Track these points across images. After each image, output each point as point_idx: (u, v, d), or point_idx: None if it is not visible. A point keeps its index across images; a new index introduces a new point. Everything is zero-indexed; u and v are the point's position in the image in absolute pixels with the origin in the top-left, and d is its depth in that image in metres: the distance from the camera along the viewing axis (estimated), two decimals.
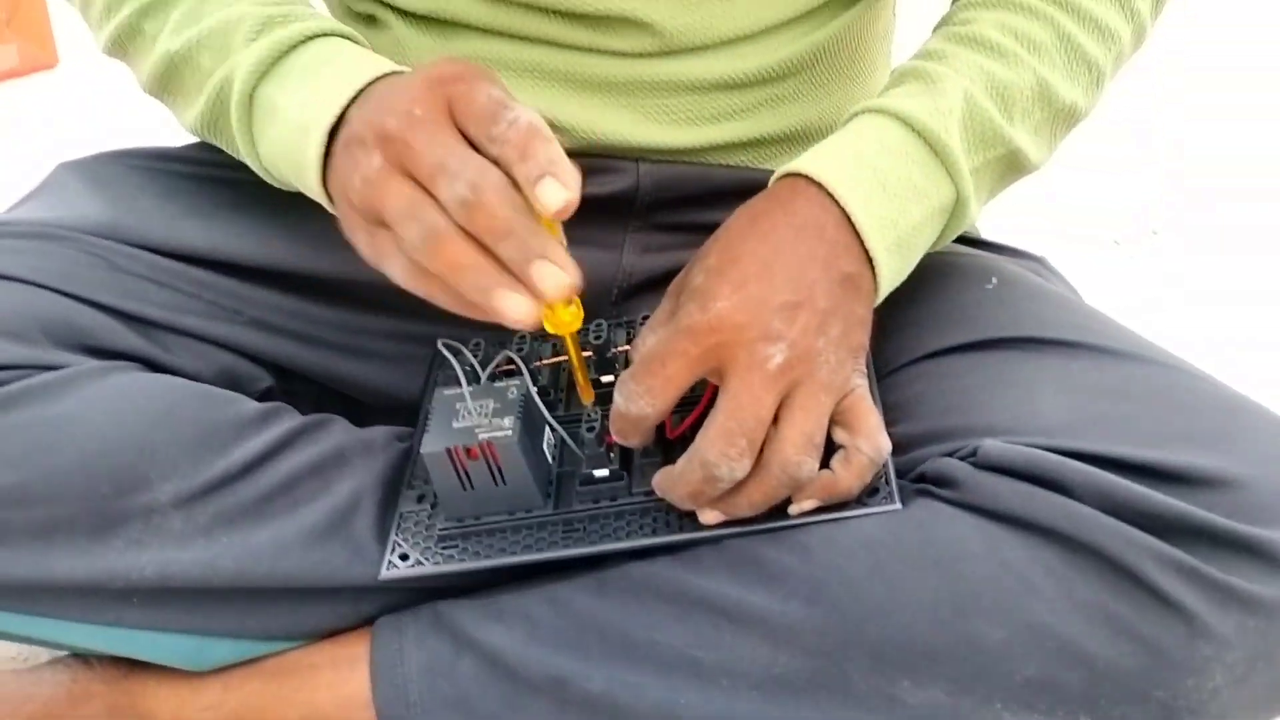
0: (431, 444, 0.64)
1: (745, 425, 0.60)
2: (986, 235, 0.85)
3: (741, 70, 0.75)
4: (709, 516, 0.64)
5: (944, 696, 0.61)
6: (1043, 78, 0.69)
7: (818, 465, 0.62)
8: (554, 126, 0.63)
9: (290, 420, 0.70)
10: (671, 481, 0.63)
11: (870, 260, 0.64)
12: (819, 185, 0.64)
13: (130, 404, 0.66)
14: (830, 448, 0.63)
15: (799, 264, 0.62)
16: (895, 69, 0.71)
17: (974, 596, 0.61)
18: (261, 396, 0.73)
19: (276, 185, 0.69)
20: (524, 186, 0.55)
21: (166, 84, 0.71)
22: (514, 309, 0.55)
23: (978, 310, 0.72)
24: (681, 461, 0.62)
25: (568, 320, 0.59)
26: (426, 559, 0.66)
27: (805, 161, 0.66)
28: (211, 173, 0.79)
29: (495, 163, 0.56)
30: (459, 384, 0.66)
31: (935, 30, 0.73)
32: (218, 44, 0.67)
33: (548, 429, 0.69)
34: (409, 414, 0.76)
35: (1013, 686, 0.61)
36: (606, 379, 0.71)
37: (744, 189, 0.71)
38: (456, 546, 0.66)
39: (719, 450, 0.60)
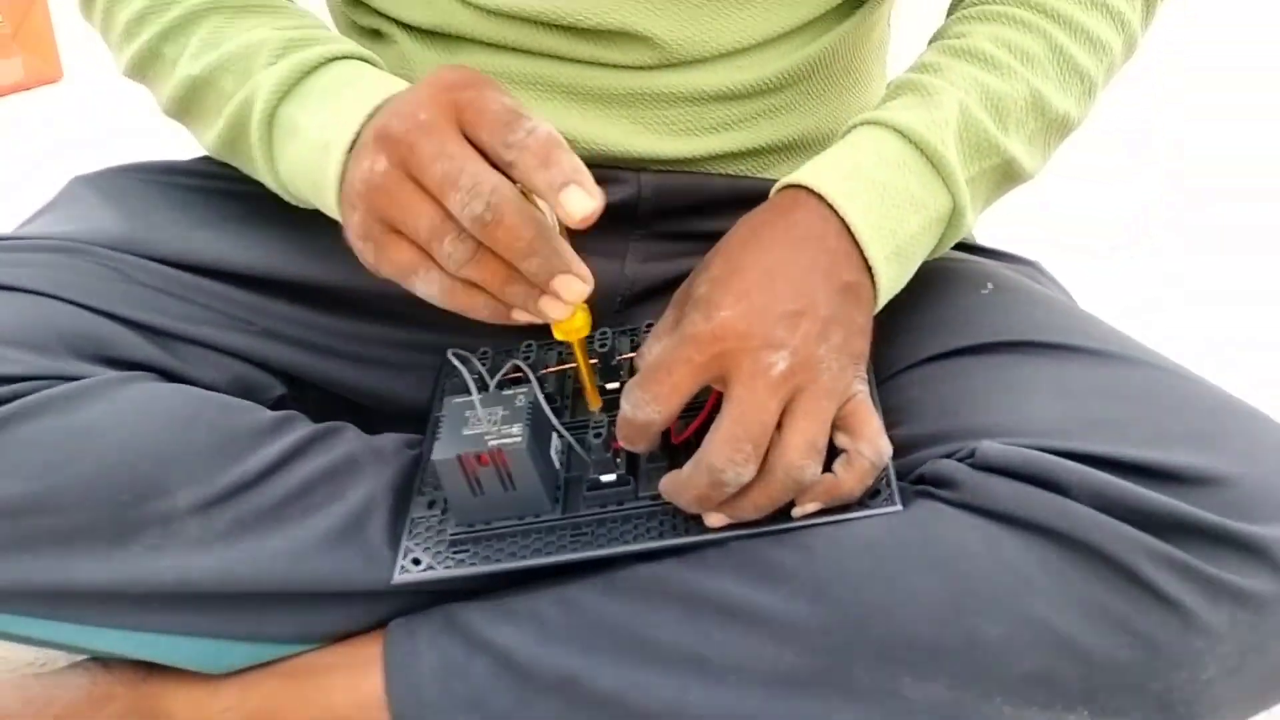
0: (443, 451, 0.65)
1: (750, 431, 0.60)
2: (982, 243, 0.85)
3: (739, 82, 0.75)
4: (715, 520, 0.64)
5: (945, 691, 0.62)
6: (1036, 89, 0.70)
7: (821, 469, 0.62)
8: None
9: (303, 428, 0.70)
10: (678, 486, 0.63)
11: (870, 269, 0.65)
12: (819, 196, 0.65)
13: (148, 413, 0.67)
14: (832, 452, 0.63)
15: (801, 273, 0.63)
16: (891, 81, 0.72)
17: (974, 594, 0.61)
18: (274, 405, 0.73)
19: (292, 203, 0.70)
20: (545, 194, 0.56)
21: (187, 106, 0.72)
22: (554, 312, 0.58)
23: (974, 315, 0.72)
24: (688, 467, 0.62)
25: (578, 326, 0.61)
26: (438, 563, 0.66)
27: (805, 173, 0.66)
28: (222, 186, 0.79)
29: (508, 168, 0.56)
30: (468, 392, 0.66)
31: (930, 43, 0.74)
32: (240, 67, 0.68)
33: (555, 435, 0.69)
34: (417, 421, 0.76)
35: (1012, 681, 0.61)
36: (611, 386, 0.71)
37: (743, 197, 0.72)
38: (467, 551, 0.67)
39: (725, 456, 0.60)
